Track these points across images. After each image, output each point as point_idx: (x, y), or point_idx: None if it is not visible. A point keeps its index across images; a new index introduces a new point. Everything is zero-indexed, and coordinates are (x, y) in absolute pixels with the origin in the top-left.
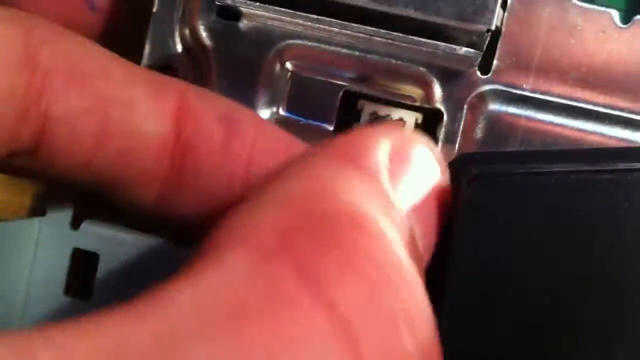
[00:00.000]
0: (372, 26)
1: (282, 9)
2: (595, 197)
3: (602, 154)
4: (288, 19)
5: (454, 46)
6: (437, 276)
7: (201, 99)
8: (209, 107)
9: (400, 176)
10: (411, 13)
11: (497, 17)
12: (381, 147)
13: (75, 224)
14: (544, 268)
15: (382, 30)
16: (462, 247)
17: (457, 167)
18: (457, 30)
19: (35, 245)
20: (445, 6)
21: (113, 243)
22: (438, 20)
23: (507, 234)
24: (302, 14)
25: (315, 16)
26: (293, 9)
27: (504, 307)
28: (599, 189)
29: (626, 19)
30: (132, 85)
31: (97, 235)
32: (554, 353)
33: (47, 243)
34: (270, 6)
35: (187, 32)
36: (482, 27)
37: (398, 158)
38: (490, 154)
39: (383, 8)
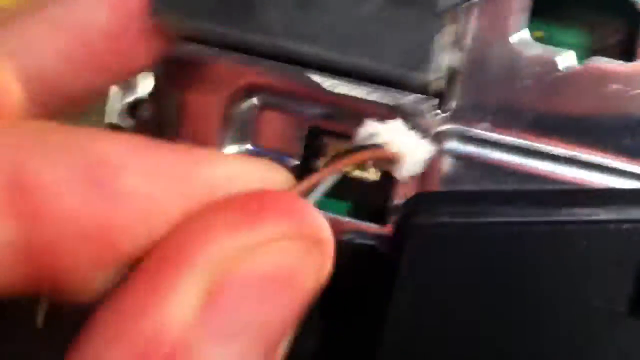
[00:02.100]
0: (325, 72)
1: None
2: (528, 248)
3: (546, 198)
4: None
5: (403, 93)
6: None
7: (47, 162)
8: (61, 167)
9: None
10: (357, 61)
11: (454, 59)
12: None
13: None
14: (475, 315)
15: (336, 79)
16: (402, 295)
17: (408, 207)
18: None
19: None
20: (389, 56)
21: None
22: (381, 69)
23: (445, 282)
24: (259, 59)
25: (270, 61)
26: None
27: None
28: (532, 240)
29: (582, 59)
30: None
31: None
32: None
33: None
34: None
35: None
36: (422, 78)
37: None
38: (443, 194)
39: (335, 57)
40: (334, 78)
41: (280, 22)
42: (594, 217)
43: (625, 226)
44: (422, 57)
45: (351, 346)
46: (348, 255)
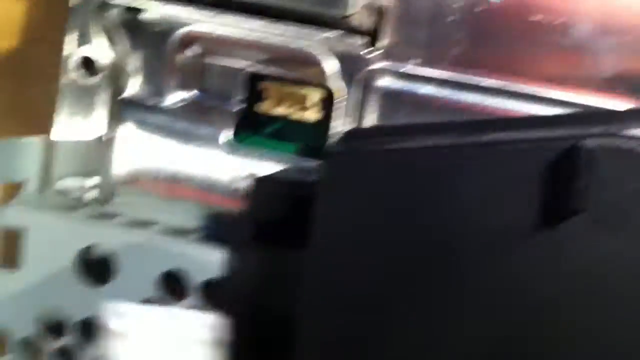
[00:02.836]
0: (256, 16)
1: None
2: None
3: (469, 126)
4: (182, 11)
5: (328, 31)
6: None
7: None
8: None
9: None
10: (279, 2)
11: None
12: None
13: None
14: (395, 236)
15: (268, 21)
16: (320, 224)
17: (340, 141)
18: (325, 16)
19: None
20: None
21: (35, 219)
22: (302, 7)
23: (362, 207)
24: (195, 5)
25: (210, 8)
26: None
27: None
28: (449, 163)
29: None
30: None
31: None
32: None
33: None
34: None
35: (103, 23)
36: (339, 12)
37: None
38: (373, 128)
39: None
40: (266, 22)
41: None
42: (511, 137)
43: (539, 144)
44: None
45: (284, 274)
46: (285, 189)
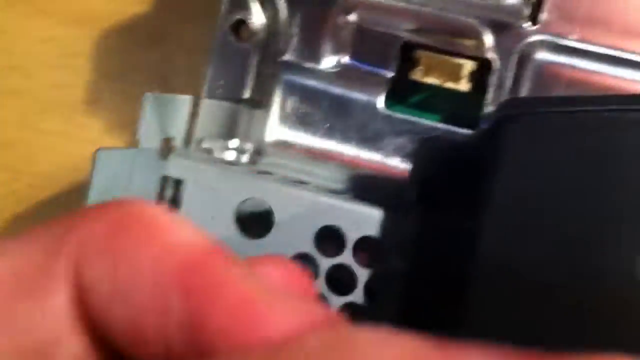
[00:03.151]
0: None
1: None
2: (622, 133)
3: (634, 98)
4: None
5: (496, 2)
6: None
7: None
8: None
9: None
10: None
11: None
12: None
13: (163, 155)
14: (576, 196)
15: None
16: (506, 176)
17: (503, 108)
18: None
19: (130, 171)
20: None
21: (195, 171)
22: None
23: (545, 167)
24: None
25: None
26: None
27: (537, 230)
28: (625, 126)
29: None
30: None
31: (181, 165)
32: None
33: (140, 170)
34: None
35: None
36: None
37: None
38: (534, 99)
39: None
40: None
41: None
42: None
43: None
44: None
45: (449, 233)
46: (444, 149)
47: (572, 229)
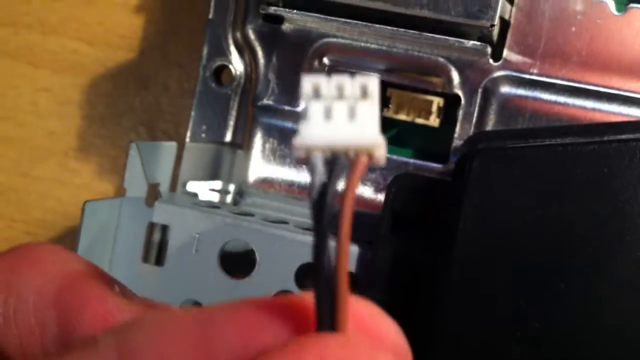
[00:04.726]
0: (393, 26)
1: (317, 14)
2: (581, 165)
3: (592, 128)
4: (323, 22)
5: (464, 40)
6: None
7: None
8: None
9: None
10: (425, 13)
11: (506, 11)
12: None
13: (149, 203)
14: (538, 226)
15: (401, 30)
16: (470, 209)
17: (469, 143)
18: (466, 26)
19: (117, 220)
20: (454, 6)
21: (180, 216)
22: (448, 18)
23: (508, 198)
24: (335, 18)
25: (345, 19)
26: (326, 15)
27: (504, 261)
28: (584, 158)
29: (620, 8)
30: None
31: (166, 211)
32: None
33: (127, 218)
34: (308, 13)
35: (238, 35)
36: (486, 23)
37: None
38: (500, 131)
39: (401, 10)
40: (393, 31)
41: None
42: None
43: None
44: (485, 4)
45: (420, 261)
46: (416, 186)
47: (536, 261)
